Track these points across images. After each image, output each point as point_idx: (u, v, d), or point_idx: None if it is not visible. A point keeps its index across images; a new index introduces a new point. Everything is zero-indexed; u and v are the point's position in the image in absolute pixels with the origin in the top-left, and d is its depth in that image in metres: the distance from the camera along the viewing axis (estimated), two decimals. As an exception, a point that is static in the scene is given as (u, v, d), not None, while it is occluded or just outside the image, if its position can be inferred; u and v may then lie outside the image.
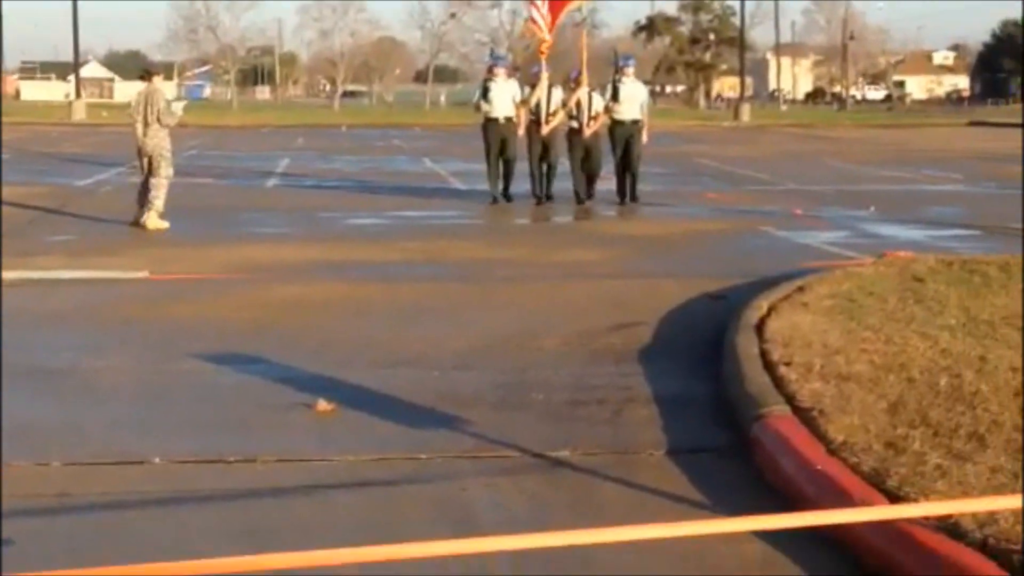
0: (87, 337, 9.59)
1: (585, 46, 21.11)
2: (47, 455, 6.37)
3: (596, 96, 20.09)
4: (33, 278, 12.37)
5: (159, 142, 16.72)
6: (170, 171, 16.79)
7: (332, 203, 20.64)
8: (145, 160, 16.78)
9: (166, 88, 19.58)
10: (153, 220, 16.53)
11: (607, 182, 20.51)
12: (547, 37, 19.97)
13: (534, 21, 20.10)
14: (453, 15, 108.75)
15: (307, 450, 6.54)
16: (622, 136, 19.99)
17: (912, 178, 27.11)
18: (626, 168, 20.08)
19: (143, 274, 12.64)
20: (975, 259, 12.10)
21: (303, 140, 44.24)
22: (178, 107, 17.26)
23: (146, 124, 16.71)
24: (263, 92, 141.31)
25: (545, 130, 19.84)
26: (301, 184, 24.85)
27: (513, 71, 21.38)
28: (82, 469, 6.21)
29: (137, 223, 16.56)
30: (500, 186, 20.15)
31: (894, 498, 5.20)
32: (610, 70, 20.71)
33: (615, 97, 19.93)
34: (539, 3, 19.79)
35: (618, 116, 20.01)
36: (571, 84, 20.50)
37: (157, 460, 6.33)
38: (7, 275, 12.27)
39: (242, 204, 20.41)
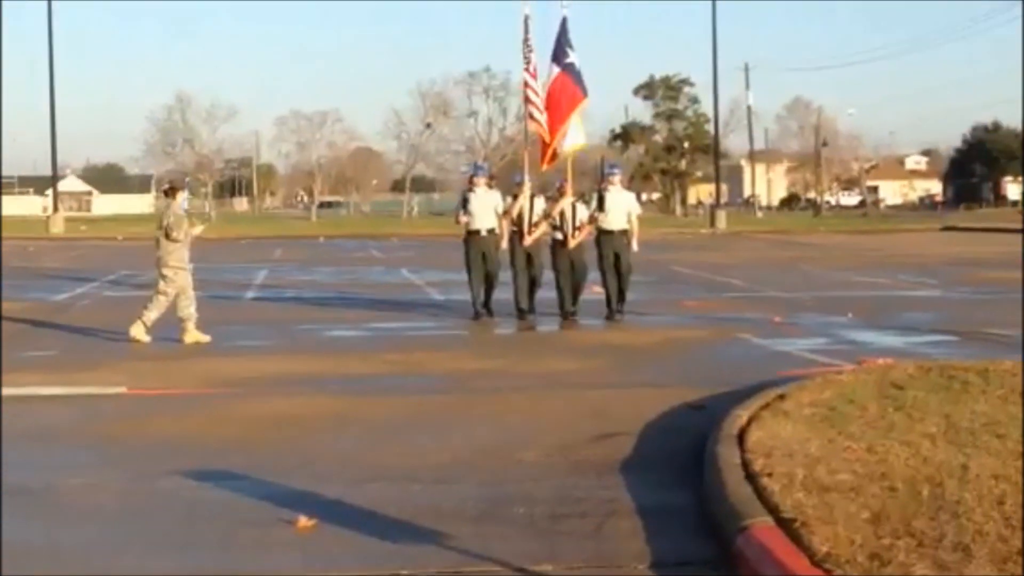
0: (64, 455, 9.53)
1: (569, 155, 20.91)
2: (24, 577, 6.30)
3: (580, 206, 19.76)
4: (10, 395, 12.29)
5: (165, 257, 16.81)
6: (167, 288, 16.71)
7: (311, 315, 20.63)
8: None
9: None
10: (137, 330, 16.58)
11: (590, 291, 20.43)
12: (547, 139, 19.57)
13: (533, 118, 19.59)
14: (428, 125, 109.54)
15: (289, 567, 6.49)
16: (610, 247, 19.43)
17: (888, 283, 27.25)
18: (617, 279, 19.48)
19: (121, 389, 12.59)
20: (953, 365, 12.13)
21: (281, 251, 44.36)
22: (196, 223, 17.60)
23: (158, 239, 16.98)
24: (241, 203, 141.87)
25: (528, 241, 19.44)
26: (280, 296, 24.87)
27: (490, 180, 21.13)
28: (60, 591, 6.14)
29: (194, 341, 16.60)
30: (482, 299, 19.76)
31: (880, 611, 5.17)
32: (587, 179, 20.62)
33: (600, 207, 19.42)
34: (536, 108, 19.35)
35: (605, 226, 19.44)
36: (555, 194, 20.22)
37: (136, 581, 6.27)
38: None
39: (221, 317, 20.35)
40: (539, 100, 19.34)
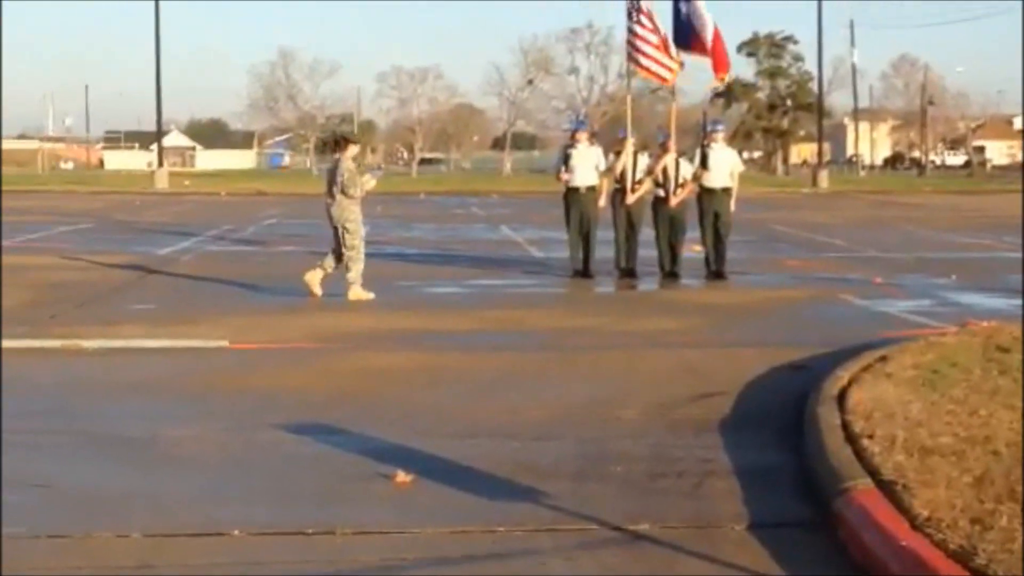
0: (166, 406, 9.65)
1: (674, 109, 20.77)
2: (128, 526, 6.40)
3: (683, 163, 19.59)
4: (115, 347, 12.49)
5: (343, 213, 16.60)
6: (355, 241, 16.62)
7: (411, 272, 20.71)
8: (333, 230, 16.81)
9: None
10: (355, 291, 16.51)
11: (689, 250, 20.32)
12: (670, 78, 19.38)
13: (648, 69, 19.34)
14: (530, 82, 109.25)
15: (386, 522, 6.52)
16: (711, 205, 19.32)
17: (993, 245, 26.82)
18: (716, 238, 19.43)
19: (223, 343, 12.72)
20: (1060, 328, 11.91)
21: (381, 208, 44.46)
22: (368, 178, 17.12)
23: (331, 195, 16.71)
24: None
25: (631, 199, 19.28)
26: (380, 252, 24.91)
27: (591, 136, 20.94)
28: (162, 541, 6.22)
29: (307, 285, 16.66)
30: (580, 257, 19.54)
31: (982, 576, 5.10)
32: (689, 137, 20.37)
33: (704, 164, 19.28)
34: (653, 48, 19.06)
35: (707, 184, 19.30)
36: (657, 151, 20.02)
37: (236, 532, 6.34)
38: (90, 344, 12.42)
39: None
40: (656, 40, 19.09)
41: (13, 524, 6.42)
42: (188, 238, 28.42)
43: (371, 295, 16.50)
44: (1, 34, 66.15)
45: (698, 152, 19.73)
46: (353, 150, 16.97)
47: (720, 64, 19.09)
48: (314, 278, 16.73)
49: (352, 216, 16.60)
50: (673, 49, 19.10)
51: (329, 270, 16.81)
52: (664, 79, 19.63)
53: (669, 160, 19.31)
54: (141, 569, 5.82)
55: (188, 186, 62.67)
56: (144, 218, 37.59)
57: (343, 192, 16.54)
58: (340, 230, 16.64)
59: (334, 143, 17.64)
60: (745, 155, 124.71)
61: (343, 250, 16.66)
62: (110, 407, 9.59)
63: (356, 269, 16.62)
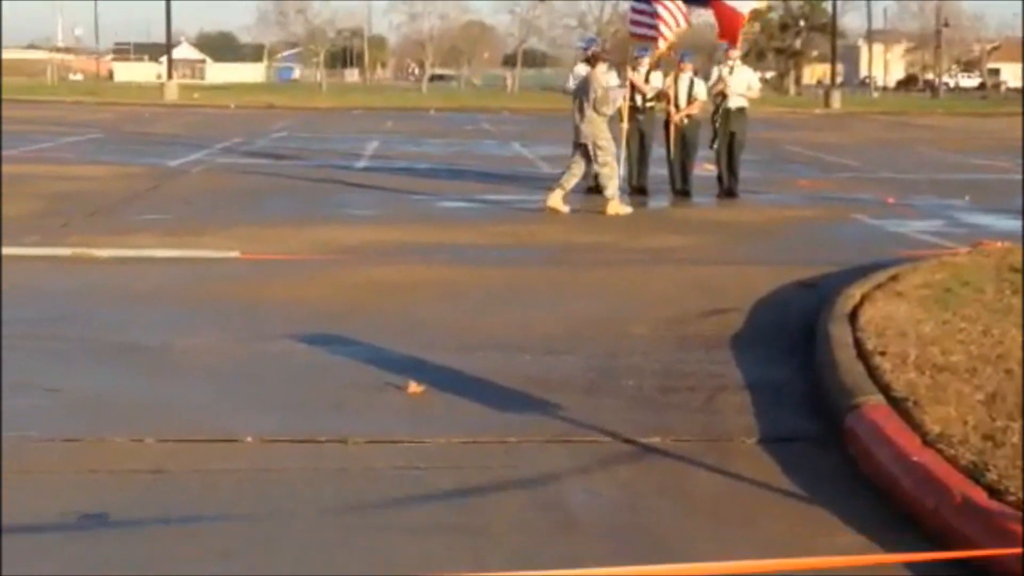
0: (178, 315, 9.66)
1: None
2: (141, 431, 6.43)
3: (698, 81, 19.58)
4: (126, 256, 12.49)
5: (594, 130, 16.51)
6: (607, 158, 16.60)
7: (422, 186, 20.65)
8: (581, 146, 16.74)
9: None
10: (613, 206, 16.55)
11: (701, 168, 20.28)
12: (670, 37, 19.11)
13: (646, 27, 19.05)
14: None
15: (398, 432, 6.55)
16: (726, 124, 19.24)
17: (1007, 167, 26.68)
18: (729, 157, 19.38)
19: (234, 253, 12.71)
20: (1073, 250, 11.87)
21: (392, 123, 44.36)
22: (617, 96, 17.13)
23: (582, 110, 16.62)
24: (352, 74, 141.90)
25: (676, 118, 19.21)
26: (391, 167, 24.89)
27: (603, 54, 20.73)
28: (176, 446, 6.26)
29: (547, 204, 16.70)
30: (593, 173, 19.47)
31: (993, 492, 5.11)
32: (702, 56, 20.16)
33: (719, 83, 19.24)
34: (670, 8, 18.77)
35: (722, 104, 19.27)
36: (675, 70, 19.91)
37: (249, 439, 6.36)
38: (101, 253, 12.42)
39: (333, 186, 20.50)
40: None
41: (26, 427, 6.45)
42: (198, 150, 28.33)
43: (629, 209, 16.65)
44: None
45: (715, 70, 19.65)
46: (604, 67, 16.94)
47: (727, 31, 18.76)
48: (557, 200, 16.73)
49: (603, 133, 16.61)
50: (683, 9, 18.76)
51: (568, 187, 16.88)
52: (655, 40, 19.19)
53: (683, 78, 19.29)
54: (155, 473, 5.85)
55: (197, 99, 62.40)
56: (154, 130, 37.49)
57: (595, 109, 16.48)
58: (591, 147, 16.62)
59: (586, 60, 17.53)
60: (758, 75, 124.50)
61: (596, 167, 16.80)
62: (122, 315, 9.60)
63: (612, 186, 16.71)
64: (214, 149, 29.09)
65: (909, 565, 4.76)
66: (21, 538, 5.05)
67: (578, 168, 16.87)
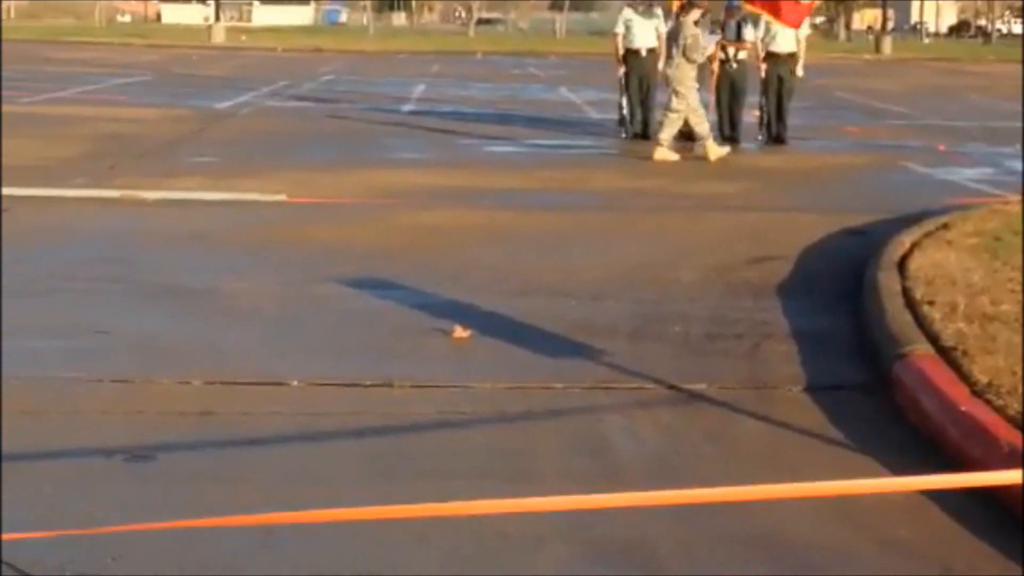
0: (224, 258, 9.70)
1: None
2: (189, 374, 6.46)
3: (747, 26, 19.28)
4: (174, 198, 12.54)
5: (679, 75, 16.60)
6: (680, 106, 16.60)
7: (469, 130, 20.60)
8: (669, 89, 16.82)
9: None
10: (660, 152, 16.55)
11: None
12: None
13: None
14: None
15: (443, 376, 6.56)
16: (775, 69, 19.01)
17: (1060, 115, 26.36)
18: (778, 103, 19.16)
19: (281, 197, 12.72)
20: None
21: (439, 67, 44.25)
22: (710, 41, 17.27)
23: (670, 56, 16.84)
24: (399, 18, 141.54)
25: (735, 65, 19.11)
26: (438, 111, 24.86)
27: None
28: (223, 388, 6.29)
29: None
30: (640, 118, 19.33)
31: (1042, 443, 5.07)
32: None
33: (768, 28, 18.90)
34: None
35: (772, 48, 18.97)
36: (723, 17, 19.70)
37: (295, 382, 6.39)
38: (149, 195, 12.47)
39: (380, 129, 20.49)
40: None
41: (74, 369, 6.50)
42: (246, 92, 28.36)
43: (676, 156, 16.61)
44: None
45: (763, 18, 19.41)
46: (696, 14, 16.92)
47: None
48: (711, 148, 16.73)
49: (687, 81, 16.66)
50: None
51: (702, 131, 16.90)
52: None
53: (732, 24, 19.07)
54: (203, 415, 5.88)
55: (245, 41, 62.35)
56: (201, 72, 37.53)
57: (684, 55, 16.54)
58: (670, 91, 16.68)
59: (680, 7, 17.46)
60: (807, 21, 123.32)
61: (667, 109, 16.81)
62: (169, 258, 9.64)
63: (669, 132, 16.74)
64: (261, 92, 29.11)
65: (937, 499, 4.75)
66: (70, 477, 5.09)
67: (690, 116, 16.85)
